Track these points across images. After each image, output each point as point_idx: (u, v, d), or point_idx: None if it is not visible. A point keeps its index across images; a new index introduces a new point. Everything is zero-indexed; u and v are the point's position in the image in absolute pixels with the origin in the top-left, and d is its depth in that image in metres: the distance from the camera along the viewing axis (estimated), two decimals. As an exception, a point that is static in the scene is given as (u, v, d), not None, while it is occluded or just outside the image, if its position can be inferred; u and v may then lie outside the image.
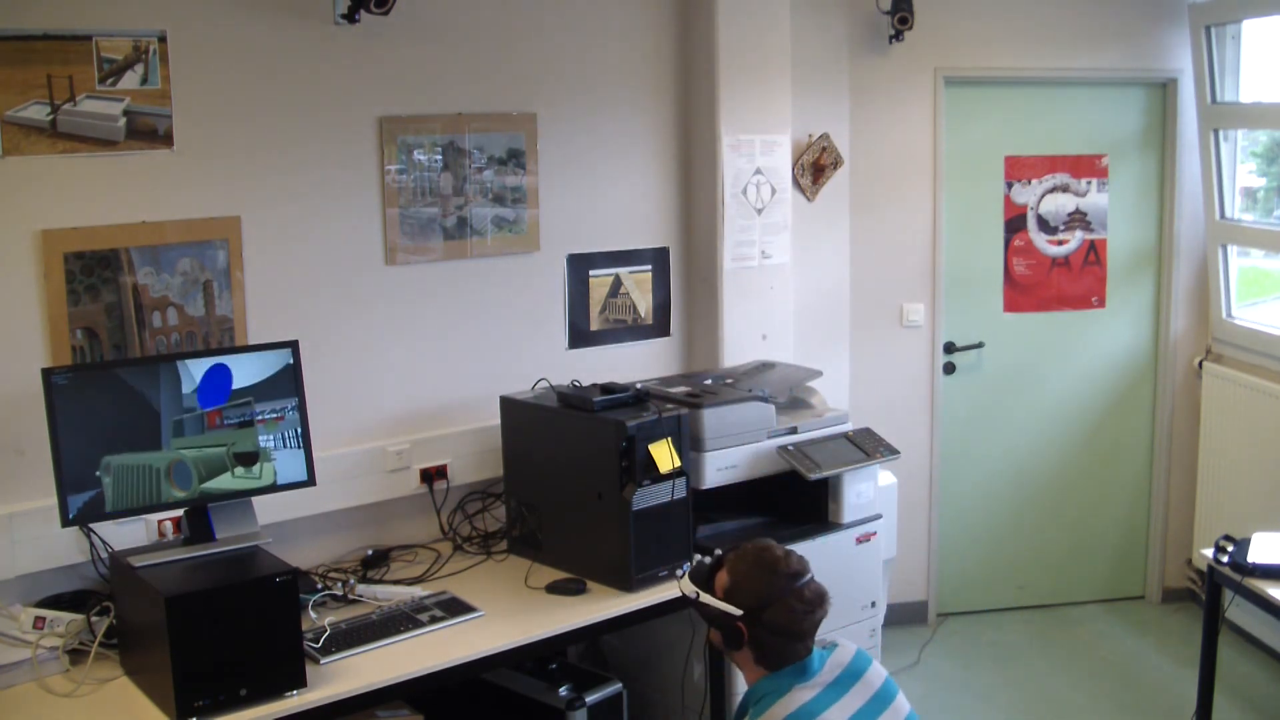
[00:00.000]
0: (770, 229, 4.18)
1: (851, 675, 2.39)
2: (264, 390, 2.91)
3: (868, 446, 3.61)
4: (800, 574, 2.38)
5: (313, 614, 3.01)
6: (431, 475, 3.58)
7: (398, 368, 3.56)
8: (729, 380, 3.72)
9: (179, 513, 2.90)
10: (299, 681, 2.60)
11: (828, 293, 4.66)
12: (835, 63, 4.58)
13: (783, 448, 3.49)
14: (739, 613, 2.35)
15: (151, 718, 2.55)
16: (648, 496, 3.14)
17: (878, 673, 2.43)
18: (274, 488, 2.92)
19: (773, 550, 2.43)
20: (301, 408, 2.96)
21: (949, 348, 4.97)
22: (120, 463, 2.71)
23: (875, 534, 3.65)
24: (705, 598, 2.42)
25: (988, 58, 4.79)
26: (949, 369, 4.99)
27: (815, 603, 2.36)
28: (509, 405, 3.51)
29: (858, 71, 4.64)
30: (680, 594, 2.52)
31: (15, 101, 2.85)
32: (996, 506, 5.12)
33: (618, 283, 4.03)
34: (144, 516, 2.94)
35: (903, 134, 4.76)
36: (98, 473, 2.68)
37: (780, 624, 2.33)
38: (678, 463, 3.21)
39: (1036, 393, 5.08)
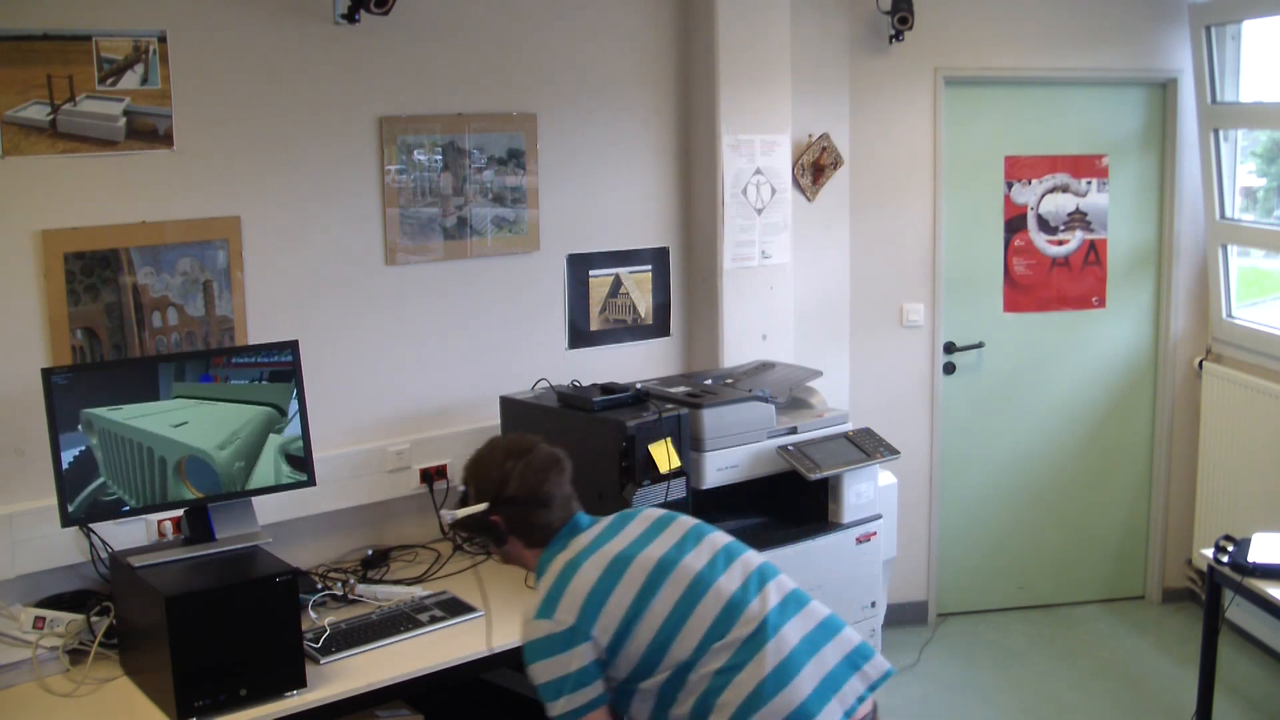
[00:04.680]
0: (770, 229, 4.18)
1: (626, 517, 2.51)
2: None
3: (868, 446, 3.61)
4: (524, 448, 2.49)
5: (313, 614, 3.01)
6: (431, 475, 3.58)
7: (398, 368, 3.56)
8: (729, 380, 3.72)
9: (179, 513, 2.90)
10: (299, 681, 2.60)
11: (828, 293, 4.66)
12: (835, 63, 4.58)
13: (783, 448, 3.49)
14: (484, 506, 2.45)
15: (151, 718, 2.55)
16: (648, 496, 3.14)
17: (656, 512, 2.55)
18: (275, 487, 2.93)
19: (493, 442, 2.55)
20: (302, 408, 2.96)
21: (949, 348, 4.97)
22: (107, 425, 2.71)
23: (875, 534, 3.65)
24: (459, 514, 2.49)
25: (988, 58, 4.79)
26: (949, 369, 4.99)
27: (548, 465, 2.47)
28: (509, 405, 3.51)
29: (858, 71, 4.64)
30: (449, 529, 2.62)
31: (15, 101, 2.85)
32: (996, 506, 5.12)
33: (618, 283, 4.03)
34: (144, 516, 2.94)
35: (903, 134, 4.76)
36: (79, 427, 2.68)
37: (522, 496, 2.43)
38: (678, 463, 3.21)
39: (1036, 393, 5.08)
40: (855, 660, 2.39)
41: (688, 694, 2.30)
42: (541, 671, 2.29)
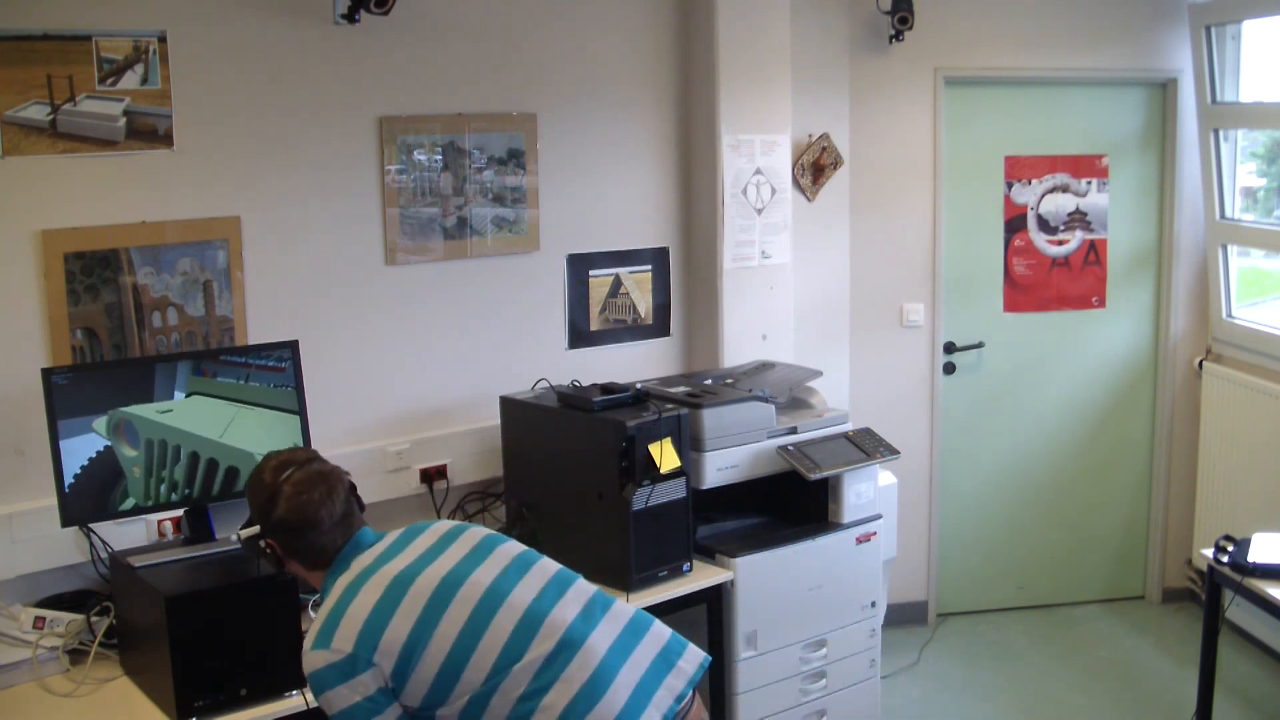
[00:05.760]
0: (770, 229, 4.18)
1: (414, 531, 2.38)
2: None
3: (868, 446, 3.61)
4: (294, 463, 2.35)
5: (312, 614, 3.00)
6: (431, 475, 3.58)
7: (398, 368, 3.56)
8: (729, 380, 3.72)
9: (179, 513, 2.90)
10: (299, 681, 2.59)
11: (828, 293, 4.66)
12: (835, 63, 4.58)
13: (783, 448, 3.49)
14: (257, 528, 2.33)
15: (151, 718, 2.55)
16: (648, 496, 3.14)
17: (445, 524, 2.41)
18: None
19: (266, 459, 2.40)
20: (301, 408, 2.96)
21: (949, 348, 4.97)
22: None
23: (875, 534, 3.65)
24: (241, 534, 2.39)
25: (988, 58, 4.79)
26: (949, 369, 4.99)
27: (313, 484, 2.31)
28: (509, 405, 3.51)
29: (858, 71, 4.64)
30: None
31: (15, 101, 2.85)
32: (996, 506, 5.12)
33: (618, 283, 4.03)
34: (144, 517, 2.94)
35: (903, 134, 4.76)
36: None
37: (290, 520, 2.28)
38: (678, 463, 3.21)
39: (1036, 393, 5.08)
40: (669, 657, 2.30)
41: None
42: (329, 703, 2.16)
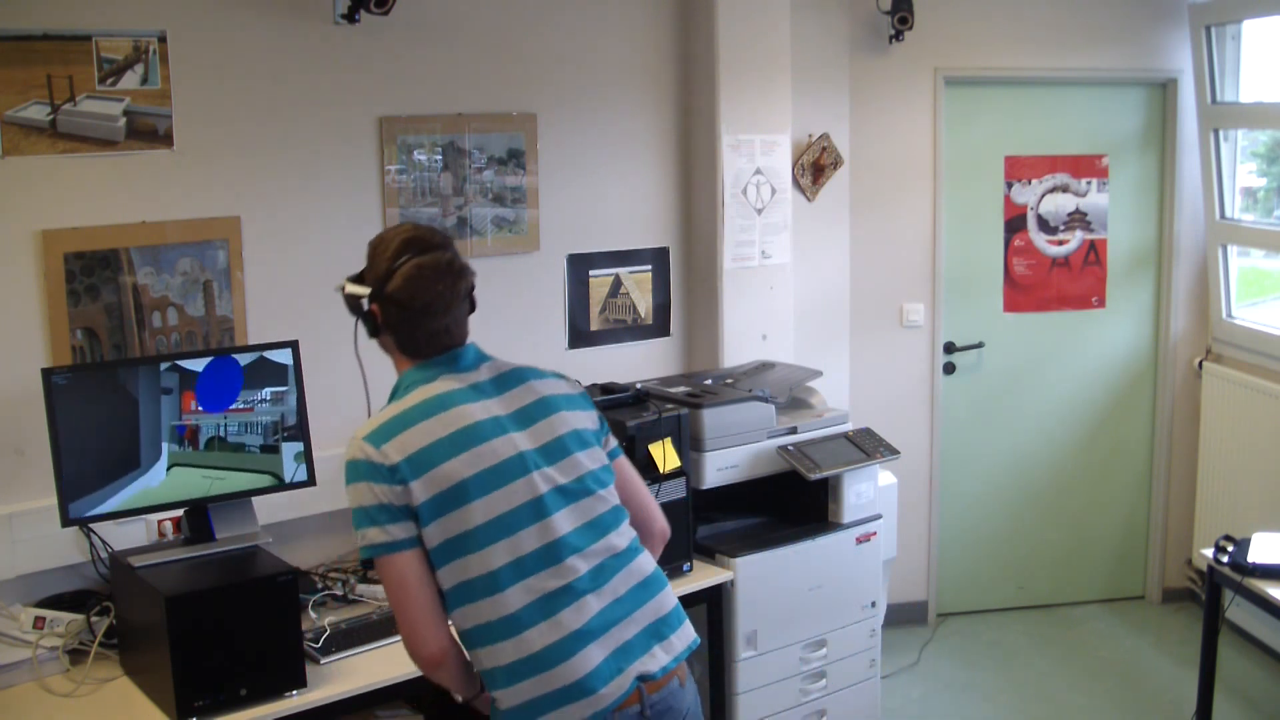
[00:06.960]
0: (770, 229, 4.18)
1: (515, 379, 2.28)
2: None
3: (868, 446, 3.61)
4: (425, 245, 2.24)
5: (313, 614, 3.01)
6: (431, 475, 3.57)
7: (398, 368, 3.56)
8: (729, 380, 3.73)
9: (179, 513, 2.90)
10: (299, 681, 2.60)
11: (828, 293, 4.66)
12: (835, 63, 4.58)
13: (783, 448, 3.49)
14: (367, 290, 2.24)
15: (151, 718, 2.55)
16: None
17: (551, 385, 2.32)
18: (279, 486, 2.93)
19: (400, 227, 2.30)
20: (301, 407, 2.96)
21: (949, 348, 4.97)
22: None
23: (875, 534, 3.65)
24: (346, 287, 2.30)
25: (988, 58, 4.79)
26: (949, 369, 4.99)
27: (433, 273, 2.21)
28: (509, 405, 3.50)
29: (858, 71, 4.64)
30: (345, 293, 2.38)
31: (15, 101, 2.85)
32: (996, 506, 5.12)
33: (618, 283, 4.03)
34: (144, 516, 2.94)
35: (903, 134, 4.76)
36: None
37: (403, 298, 2.20)
38: (678, 463, 3.21)
39: (1036, 393, 5.09)
40: (660, 629, 2.25)
41: (468, 617, 2.13)
42: (353, 495, 2.12)
